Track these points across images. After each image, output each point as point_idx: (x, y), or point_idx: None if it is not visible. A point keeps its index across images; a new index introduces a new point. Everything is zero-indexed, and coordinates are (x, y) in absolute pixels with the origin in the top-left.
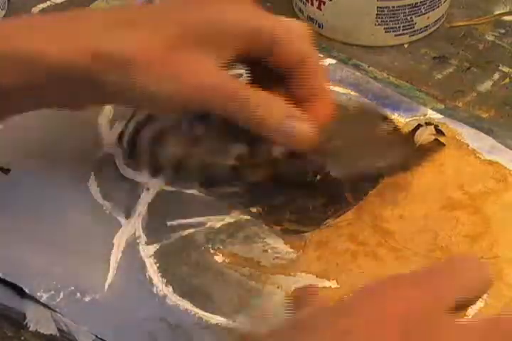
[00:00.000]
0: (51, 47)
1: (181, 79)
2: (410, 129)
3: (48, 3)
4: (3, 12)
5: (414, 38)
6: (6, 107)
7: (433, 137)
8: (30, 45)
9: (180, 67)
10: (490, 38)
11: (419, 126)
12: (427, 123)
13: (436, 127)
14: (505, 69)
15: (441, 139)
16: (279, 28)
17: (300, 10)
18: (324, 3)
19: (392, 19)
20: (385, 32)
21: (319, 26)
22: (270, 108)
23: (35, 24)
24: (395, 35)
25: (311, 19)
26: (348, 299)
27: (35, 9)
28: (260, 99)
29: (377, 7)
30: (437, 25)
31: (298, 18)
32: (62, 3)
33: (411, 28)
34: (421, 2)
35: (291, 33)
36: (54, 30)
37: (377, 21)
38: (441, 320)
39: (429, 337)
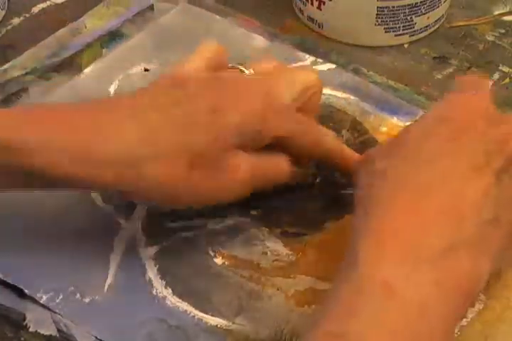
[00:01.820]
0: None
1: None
2: None
3: (48, 3)
4: (3, 12)
5: (414, 38)
6: None
7: None
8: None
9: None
10: (490, 38)
11: None
12: None
13: None
14: (505, 69)
15: None
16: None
17: (300, 10)
18: (324, 3)
19: (392, 19)
20: (385, 32)
21: (319, 26)
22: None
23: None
24: (395, 35)
25: (311, 19)
26: None
27: (35, 9)
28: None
29: (377, 7)
30: (437, 25)
31: (298, 18)
32: (62, 3)
33: (411, 28)
34: (421, 2)
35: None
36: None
37: (377, 21)
38: None
39: None
